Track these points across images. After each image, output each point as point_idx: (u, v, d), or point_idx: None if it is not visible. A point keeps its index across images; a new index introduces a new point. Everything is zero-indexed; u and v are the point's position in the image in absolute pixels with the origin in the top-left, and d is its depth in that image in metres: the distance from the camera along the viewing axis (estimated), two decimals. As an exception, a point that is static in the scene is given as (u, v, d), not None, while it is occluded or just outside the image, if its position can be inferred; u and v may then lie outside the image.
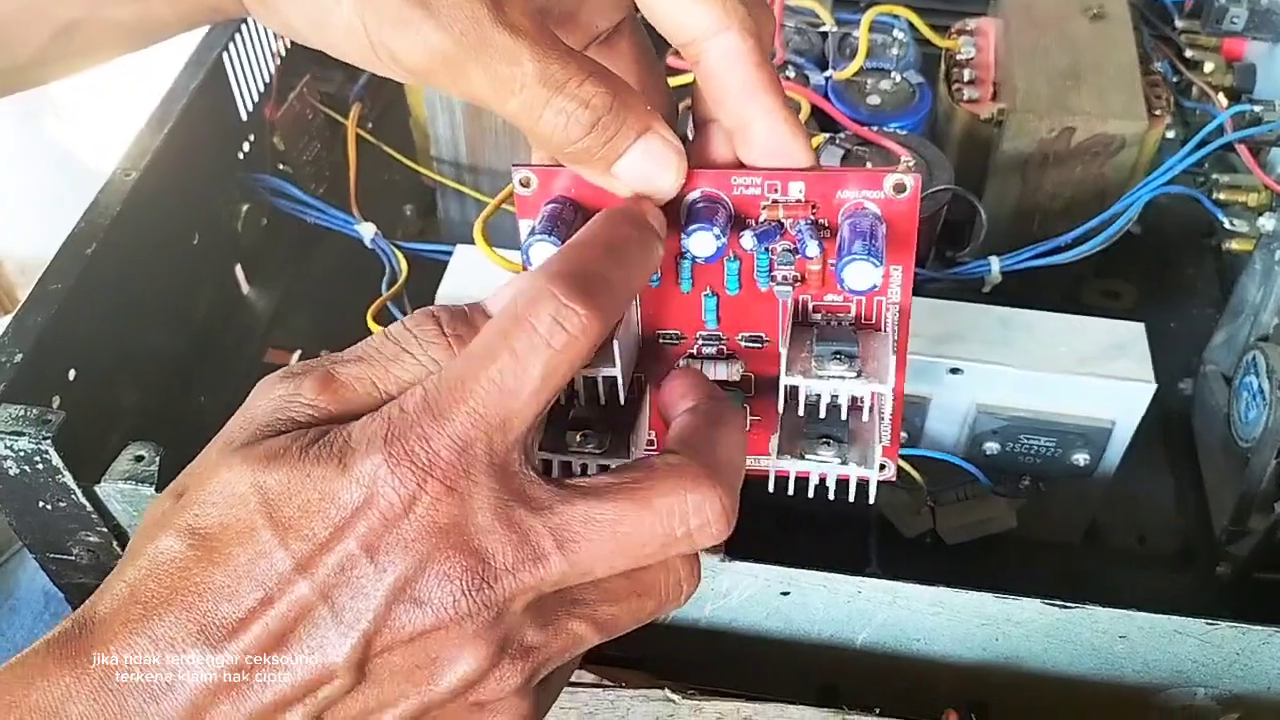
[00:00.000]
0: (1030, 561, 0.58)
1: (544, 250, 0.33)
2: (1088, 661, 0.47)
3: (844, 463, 0.34)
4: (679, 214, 0.34)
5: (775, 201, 0.34)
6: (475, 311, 0.32)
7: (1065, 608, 0.44)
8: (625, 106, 0.32)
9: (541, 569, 0.29)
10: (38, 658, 0.27)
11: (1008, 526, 0.56)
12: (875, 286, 0.32)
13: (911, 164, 0.57)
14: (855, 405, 0.34)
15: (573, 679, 0.45)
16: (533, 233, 0.33)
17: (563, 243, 0.33)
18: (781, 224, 0.34)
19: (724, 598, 0.46)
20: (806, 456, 0.34)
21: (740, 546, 0.44)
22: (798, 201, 0.34)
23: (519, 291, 0.29)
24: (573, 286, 0.29)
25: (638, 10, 0.34)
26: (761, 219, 0.34)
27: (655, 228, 0.33)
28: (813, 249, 0.34)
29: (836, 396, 0.34)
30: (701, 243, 0.33)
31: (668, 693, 0.44)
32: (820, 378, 0.33)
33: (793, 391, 0.34)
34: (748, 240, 0.34)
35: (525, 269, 0.34)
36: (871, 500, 0.35)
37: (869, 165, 0.58)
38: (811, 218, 0.34)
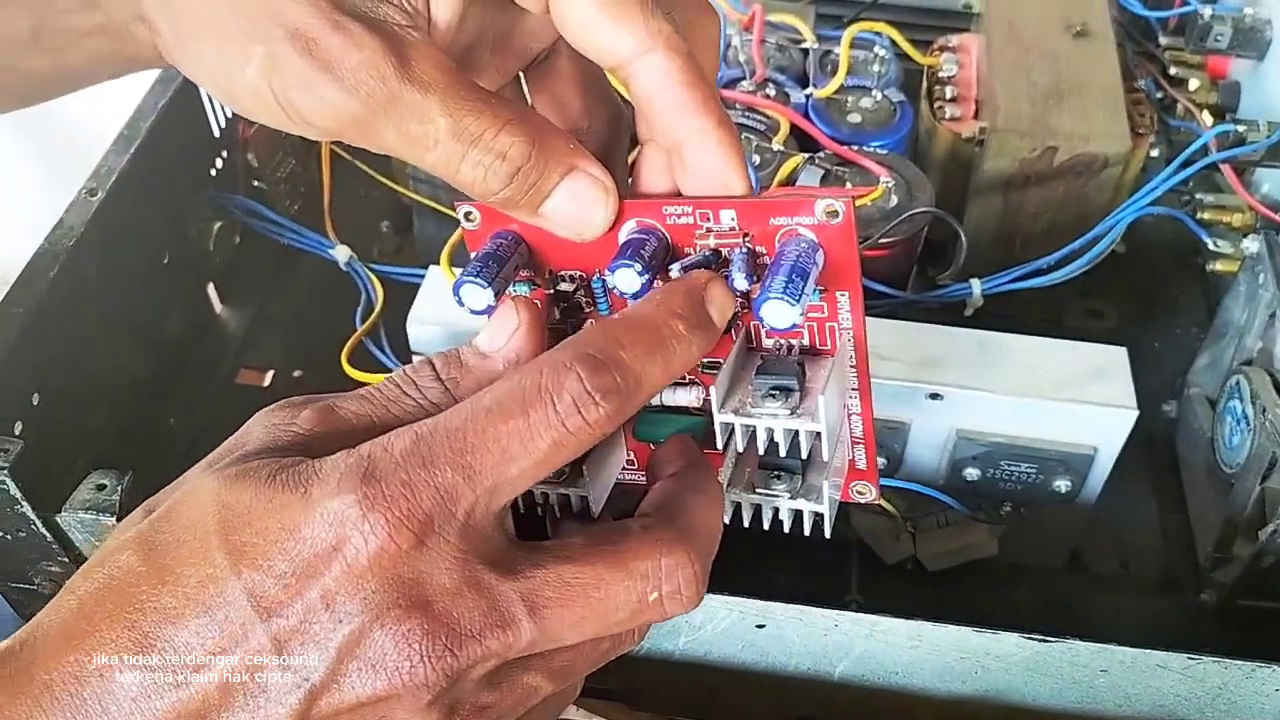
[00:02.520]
0: (1013, 588, 0.57)
1: (474, 293, 0.32)
2: (1069, 695, 0.46)
3: (793, 497, 0.33)
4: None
5: (709, 230, 0.33)
6: (467, 353, 0.31)
7: (1045, 641, 0.43)
8: (546, 150, 0.31)
9: (510, 636, 0.27)
10: None
11: (989, 553, 0.55)
12: (796, 325, 0.31)
13: (890, 185, 0.56)
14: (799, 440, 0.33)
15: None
16: (465, 273, 0.32)
17: (492, 284, 0.32)
18: (719, 253, 0.33)
19: (699, 630, 0.45)
20: (757, 490, 0.34)
21: (717, 575, 0.43)
22: (731, 230, 0.32)
23: (545, 361, 0.28)
24: (600, 375, 0.28)
25: None
26: (697, 248, 0.33)
27: (715, 322, 0.32)
28: (740, 282, 0.32)
29: (773, 432, 0.32)
30: (626, 279, 0.32)
31: (640, 728, 0.43)
32: (753, 415, 0.32)
33: (732, 427, 0.33)
34: (675, 274, 0.32)
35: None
36: (828, 534, 0.34)
37: (848, 185, 0.58)
38: (748, 247, 0.32)
